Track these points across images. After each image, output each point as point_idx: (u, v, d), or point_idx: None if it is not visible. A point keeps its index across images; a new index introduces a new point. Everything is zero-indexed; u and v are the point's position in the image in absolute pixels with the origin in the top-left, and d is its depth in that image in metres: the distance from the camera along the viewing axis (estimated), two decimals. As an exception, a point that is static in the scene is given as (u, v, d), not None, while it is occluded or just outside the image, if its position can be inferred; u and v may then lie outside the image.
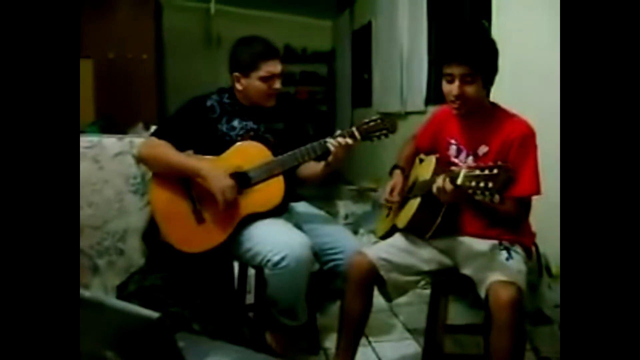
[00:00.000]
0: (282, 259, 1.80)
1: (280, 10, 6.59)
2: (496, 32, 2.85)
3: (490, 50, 1.67)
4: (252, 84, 1.98)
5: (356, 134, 1.89)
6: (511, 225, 1.70)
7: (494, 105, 1.76)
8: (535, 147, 1.67)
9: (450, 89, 1.65)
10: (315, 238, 1.96)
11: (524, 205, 1.67)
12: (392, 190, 1.91)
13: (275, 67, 1.98)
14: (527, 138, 1.66)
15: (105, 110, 4.86)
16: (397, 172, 1.96)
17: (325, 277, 2.07)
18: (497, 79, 1.71)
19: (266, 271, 1.85)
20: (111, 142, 2.29)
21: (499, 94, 1.77)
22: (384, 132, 1.92)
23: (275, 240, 1.84)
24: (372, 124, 1.92)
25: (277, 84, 2.00)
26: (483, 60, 1.63)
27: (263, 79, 1.97)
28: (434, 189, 1.54)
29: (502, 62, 1.69)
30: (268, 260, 1.82)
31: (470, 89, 1.63)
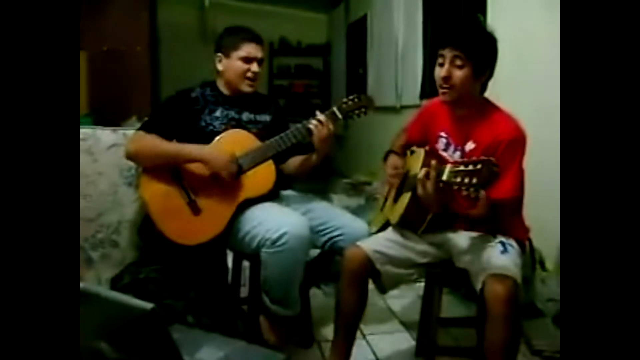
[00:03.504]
0: (282, 235, 1.81)
1: (275, 3, 6.56)
2: (491, 27, 2.85)
3: (484, 40, 1.68)
4: (232, 64, 2.04)
5: (337, 113, 2.00)
6: (495, 224, 1.70)
7: (487, 102, 1.76)
8: (523, 150, 1.66)
9: (440, 71, 1.66)
10: (310, 221, 1.97)
11: (505, 207, 1.65)
12: (395, 168, 1.90)
13: (255, 50, 2.05)
14: (516, 141, 1.65)
15: (99, 102, 4.82)
16: (393, 155, 1.96)
17: (324, 259, 2.08)
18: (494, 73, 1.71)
19: (264, 252, 1.85)
20: (105, 134, 2.28)
21: (494, 89, 1.77)
22: (363, 109, 2.04)
23: (275, 220, 1.86)
24: (350, 102, 2.04)
25: (256, 67, 2.05)
26: (475, 47, 1.64)
27: (243, 60, 2.03)
28: (418, 188, 1.55)
29: (498, 56, 1.69)
30: (267, 239, 1.83)
31: (458, 74, 1.63)
